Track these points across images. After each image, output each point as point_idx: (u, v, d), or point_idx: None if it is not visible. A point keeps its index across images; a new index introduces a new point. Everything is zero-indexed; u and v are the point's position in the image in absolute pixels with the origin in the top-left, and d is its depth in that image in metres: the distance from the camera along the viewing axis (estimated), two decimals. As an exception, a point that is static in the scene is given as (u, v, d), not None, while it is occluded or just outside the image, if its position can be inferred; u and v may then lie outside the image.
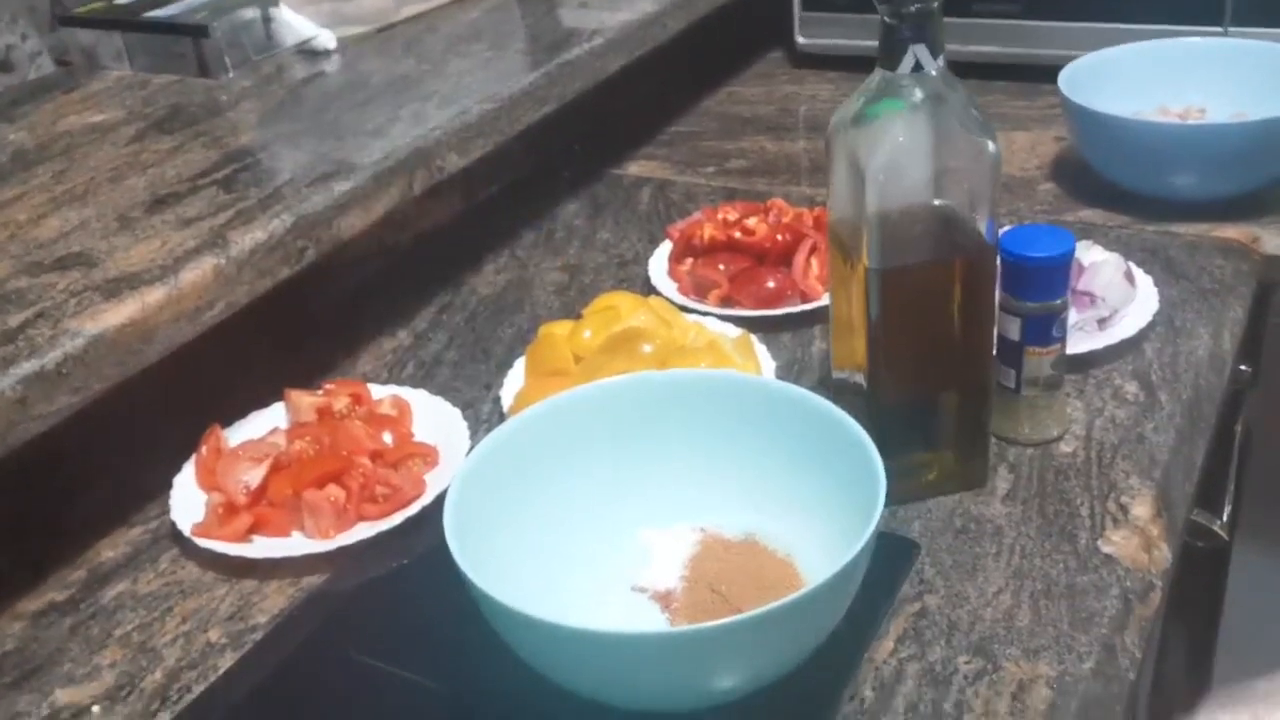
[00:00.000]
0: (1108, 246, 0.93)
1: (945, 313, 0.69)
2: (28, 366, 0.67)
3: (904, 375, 0.71)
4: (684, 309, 0.94)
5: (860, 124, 0.66)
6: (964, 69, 0.67)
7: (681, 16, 1.26)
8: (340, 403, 0.84)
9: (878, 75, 0.65)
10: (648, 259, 1.03)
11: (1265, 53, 1.09)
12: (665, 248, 1.04)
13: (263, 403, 0.86)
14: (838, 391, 0.74)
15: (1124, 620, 0.65)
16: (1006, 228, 0.76)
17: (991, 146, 0.64)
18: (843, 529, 0.60)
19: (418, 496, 0.76)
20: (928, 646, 0.64)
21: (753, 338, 0.87)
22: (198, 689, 0.66)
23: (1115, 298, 0.86)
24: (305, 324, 0.98)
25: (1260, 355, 1.01)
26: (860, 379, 0.72)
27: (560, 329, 0.89)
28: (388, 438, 0.81)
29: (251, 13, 1.13)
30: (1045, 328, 0.74)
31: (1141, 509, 0.72)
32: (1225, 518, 0.97)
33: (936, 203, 0.67)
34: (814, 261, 0.97)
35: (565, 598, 0.63)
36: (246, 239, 0.79)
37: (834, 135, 0.67)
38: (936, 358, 0.71)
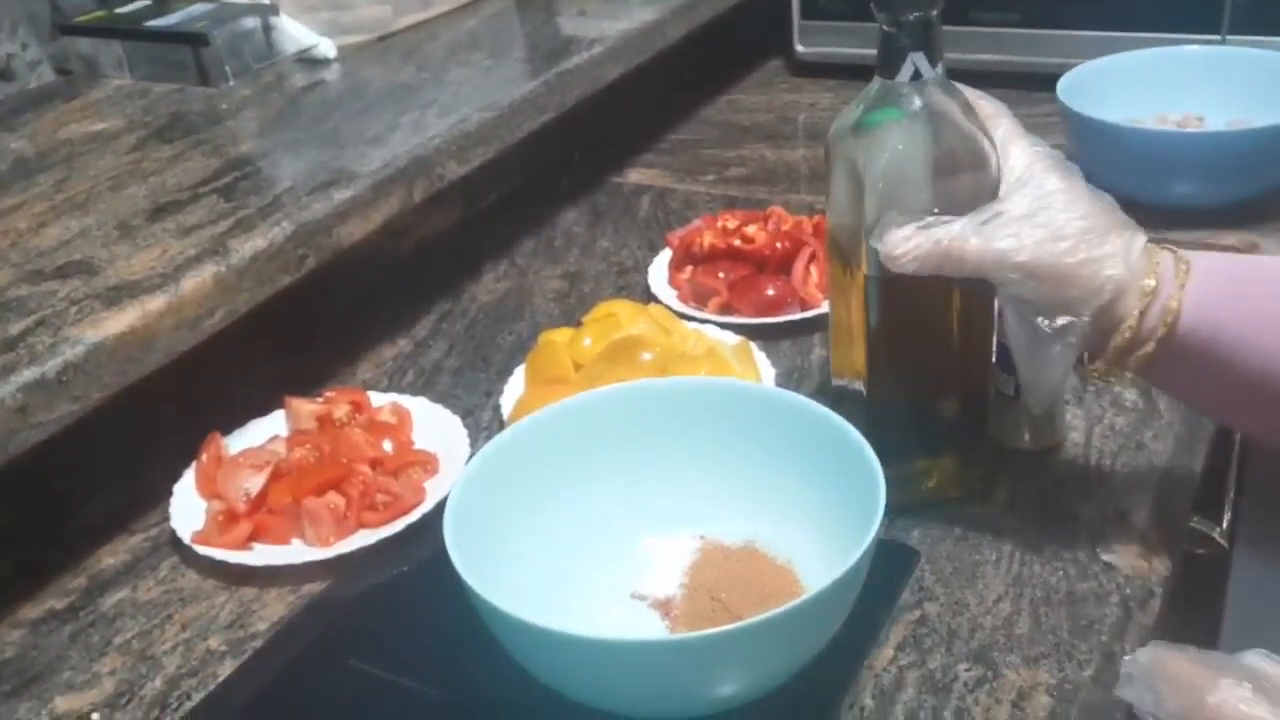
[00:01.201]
0: (1106, 254, 0.93)
1: (945, 319, 0.69)
2: (28, 374, 0.67)
3: (903, 382, 0.71)
4: (684, 316, 0.94)
5: (859, 132, 0.66)
6: (962, 77, 0.67)
7: (681, 25, 1.26)
8: (340, 410, 0.84)
9: (877, 83, 0.65)
10: (647, 267, 1.03)
11: (1263, 61, 1.09)
12: (665, 255, 1.04)
13: (263, 410, 0.86)
14: (837, 399, 0.74)
15: (1124, 628, 0.65)
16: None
17: (992, 154, 0.64)
18: (842, 536, 0.60)
19: (418, 504, 0.76)
20: (928, 654, 0.64)
21: (752, 345, 0.88)
22: (197, 697, 0.66)
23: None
24: (305, 332, 0.98)
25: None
26: (860, 386, 0.72)
27: (560, 337, 0.89)
28: (388, 445, 0.81)
29: (251, 22, 1.13)
30: (1044, 335, 0.74)
31: (1141, 516, 0.72)
32: (1225, 525, 0.97)
33: (936, 211, 0.67)
34: (813, 269, 0.97)
35: (565, 605, 0.63)
36: (247, 247, 0.79)
37: (833, 143, 0.68)
38: (936, 364, 0.71)
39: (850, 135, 0.66)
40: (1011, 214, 0.61)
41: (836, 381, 0.77)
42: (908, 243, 0.62)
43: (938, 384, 0.71)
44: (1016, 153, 0.64)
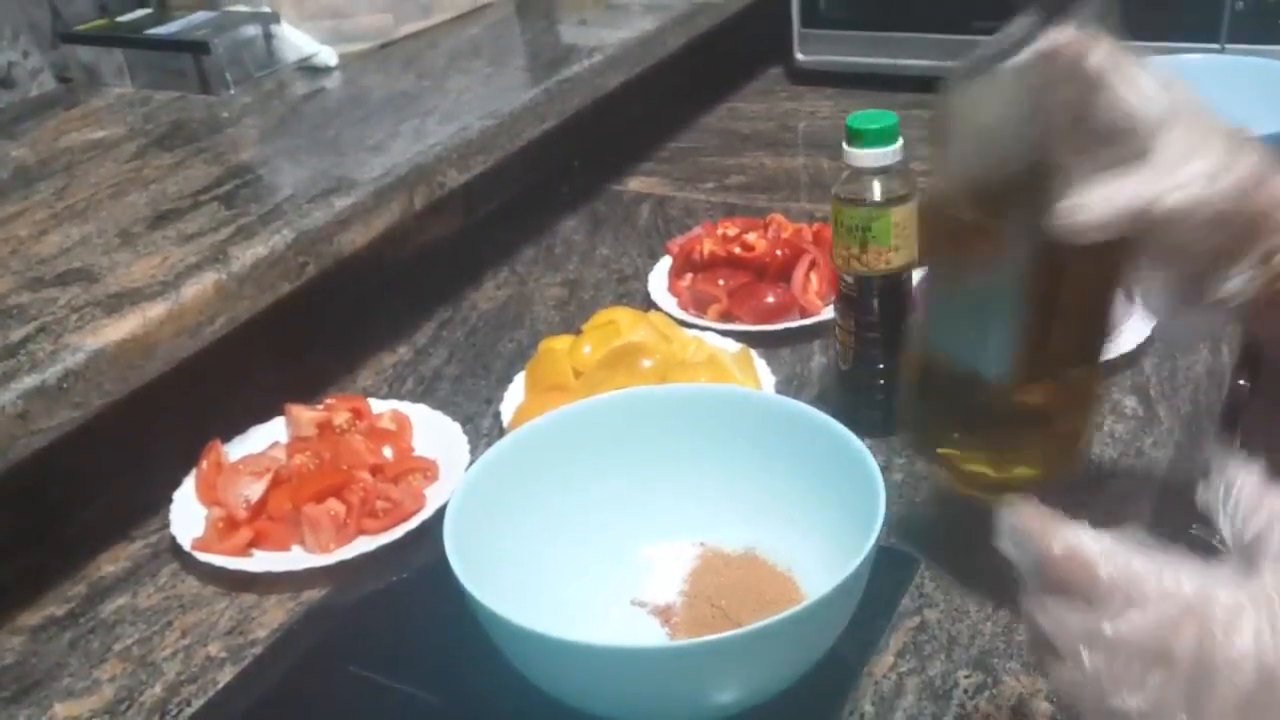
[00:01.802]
0: (1106, 261, 0.93)
1: (1100, 289, 0.65)
2: (29, 381, 0.67)
3: (1044, 359, 0.65)
4: (684, 324, 0.94)
5: (991, 79, 0.59)
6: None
7: (681, 34, 1.26)
8: (340, 417, 0.84)
9: (1015, 26, 0.58)
10: (647, 274, 1.04)
11: (1262, 69, 1.09)
12: (665, 263, 1.04)
13: (263, 417, 0.86)
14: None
15: (1124, 634, 0.65)
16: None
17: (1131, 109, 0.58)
18: (843, 543, 0.60)
19: (418, 511, 0.76)
20: (928, 661, 0.64)
21: (752, 352, 0.88)
22: (197, 703, 0.66)
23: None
24: (306, 339, 0.98)
25: (1258, 369, 1.01)
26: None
27: (560, 344, 0.89)
28: (388, 452, 0.81)
29: (253, 30, 1.13)
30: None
31: (1140, 524, 0.72)
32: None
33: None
34: (813, 276, 0.97)
35: (565, 612, 0.63)
36: (247, 254, 0.80)
37: (952, 95, 0.61)
38: (1069, 341, 0.66)
39: (977, 85, 0.59)
40: (1191, 164, 0.56)
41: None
42: (1090, 210, 0.55)
43: (1070, 357, 0.66)
44: (1148, 94, 0.59)
